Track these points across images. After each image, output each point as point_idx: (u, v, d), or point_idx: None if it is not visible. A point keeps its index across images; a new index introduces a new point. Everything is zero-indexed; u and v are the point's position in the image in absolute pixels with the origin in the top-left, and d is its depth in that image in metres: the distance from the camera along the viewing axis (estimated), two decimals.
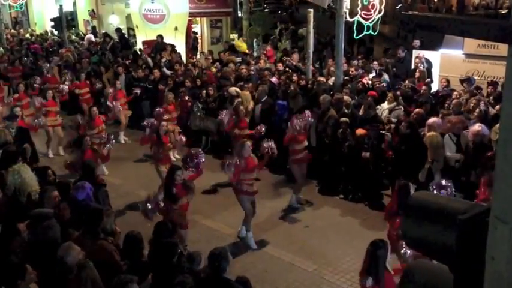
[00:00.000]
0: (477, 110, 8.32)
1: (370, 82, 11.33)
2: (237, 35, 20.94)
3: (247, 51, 17.06)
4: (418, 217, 2.01)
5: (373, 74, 12.23)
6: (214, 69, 14.02)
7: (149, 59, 15.16)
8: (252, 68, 13.44)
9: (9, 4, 20.29)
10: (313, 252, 7.55)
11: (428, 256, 2.06)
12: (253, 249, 7.65)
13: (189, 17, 18.34)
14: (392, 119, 9.28)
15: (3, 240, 4.88)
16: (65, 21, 19.46)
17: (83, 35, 21.54)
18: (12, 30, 24.03)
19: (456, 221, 1.87)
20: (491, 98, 9.75)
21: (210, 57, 15.70)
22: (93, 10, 23.08)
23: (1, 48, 18.51)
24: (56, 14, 20.68)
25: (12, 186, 6.02)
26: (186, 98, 11.80)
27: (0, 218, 5.28)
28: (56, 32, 21.57)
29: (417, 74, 11.45)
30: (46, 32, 23.34)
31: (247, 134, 9.58)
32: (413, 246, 2.08)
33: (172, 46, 16.08)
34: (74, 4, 24.06)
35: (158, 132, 8.96)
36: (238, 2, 22.06)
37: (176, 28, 17.38)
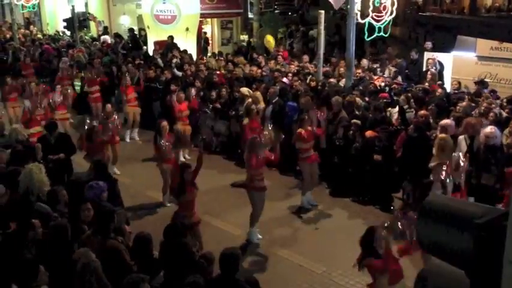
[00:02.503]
0: (491, 113, 8.24)
1: (382, 84, 11.28)
2: (247, 36, 20.95)
3: (273, 48, 17.00)
4: (433, 221, 1.98)
5: (386, 75, 12.18)
6: (223, 71, 14.03)
7: (159, 60, 15.21)
8: (265, 68, 13.45)
9: (22, 4, 20.47)
10: (322, 254, 7.52)
11: (443, 260, 2.03)
12: (256, 243, 7.71)
13: (200, 17, 18.38)
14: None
15: (18, 237, 4.91)
16: (77, 21, 19.59)
17: (96, 37, 21.66)
18: (26, 31, 24.20)
19: (473, 225, 1.84)
20: (504, 100, 9.64)
21: (222, 58, 15.70)
22: (89, 13, 23.31)
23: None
24: (68, 15, 20.83)
25: (23, 185, 6.06)
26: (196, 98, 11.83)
27: (13, 216, 5.30)
28: (68, 33, 21.74)
29: (429, 76, 11.37)
30: (58, 32, 23.53)
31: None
32: (429, 250, 2.06)
33: (184, 50, 16.20)
34: (86, 5, 24.23)
35: (160, 130, 8.96)
36: (248, 2, 22.08)
37: (187, 29, 17.44)
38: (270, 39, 17.74)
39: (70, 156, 8.54)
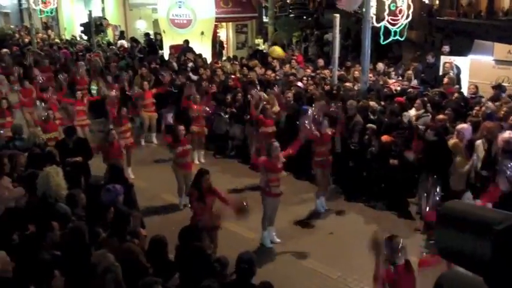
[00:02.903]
0: (511, 117, 8.13)
1: (398, 88, 11.20)
2: (262, 40, 20.99)
3: (282, 54, 16.92)
4: (451, 227, 1.96)
5: (400, 79, 12.09)
6: (238, 74, 14.06)
7: (175, 64, 15.30)
8: (279, 72, 13.47)
9: (40, 9, 20.80)
10: (337, 259, 7.48)
11: (462, 267, 2.01)
12: (270, 247, 7.74)
13: (215, 21, 18.46)
14: (420, 126, 9.13)
15: (36, 239, 4.97)
16: (94, 26, 19.84)
17: (111, 42, 21.90)
18: (44, 35, 24.56)
19: (491, 231, 1.82)
20: None
21: (236, 62, 15.75)
22: (105, 18, 23.57)
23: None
24: (85, 19, 21.10)
25: (41, 188, 6.14)
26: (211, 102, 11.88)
27: (32, 218, 5.37)
28: (85, 37, 22.02)
29: (446, 80, 11.25)
30: (74, 37, 23.85)
31: (273, 131, 9.79)
32: (447, 257, 2.04)
33: (199, 54, 16.27)
34: (103, 10, 24.52)
35: (176, 133, 9.00)
36: (263, 7, 22.13)
37: (202, 33, 17.53)
38: (278, 50, 17.52)
39: (88, 160, 8.63)
